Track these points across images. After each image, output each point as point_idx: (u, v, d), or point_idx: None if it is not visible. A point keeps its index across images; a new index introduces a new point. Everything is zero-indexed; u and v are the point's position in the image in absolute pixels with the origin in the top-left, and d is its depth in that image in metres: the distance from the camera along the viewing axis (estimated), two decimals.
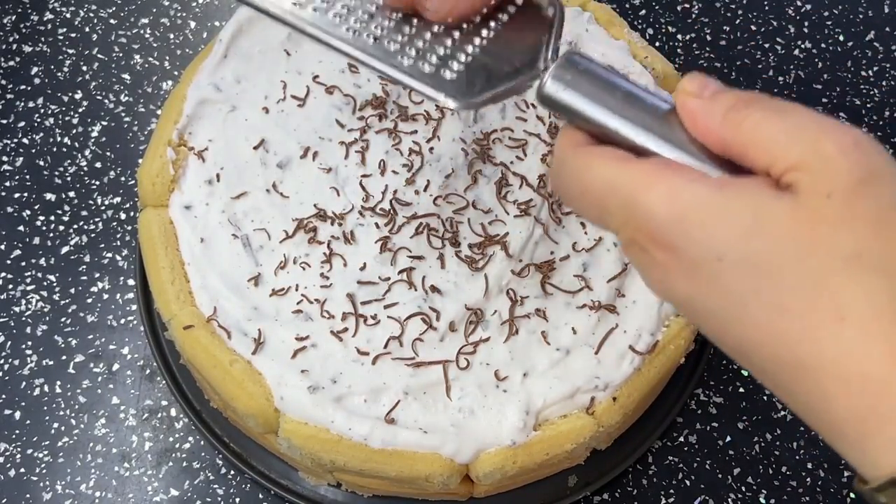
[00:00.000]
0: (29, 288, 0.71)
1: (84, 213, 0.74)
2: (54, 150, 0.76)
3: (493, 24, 0.42)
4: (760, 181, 0.32)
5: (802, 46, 0.84)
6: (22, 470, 0.65)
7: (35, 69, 0.79)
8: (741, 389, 0.69)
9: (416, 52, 0.41)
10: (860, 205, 0.31)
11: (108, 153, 0.76)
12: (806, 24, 0.85)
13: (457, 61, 0.41)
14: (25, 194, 0.74)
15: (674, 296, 0.34)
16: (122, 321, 0.70)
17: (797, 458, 0.67)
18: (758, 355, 0.32)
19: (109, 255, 0.72)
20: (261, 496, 0.65)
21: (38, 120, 0.77)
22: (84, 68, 0.79)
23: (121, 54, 0.80)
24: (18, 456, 0.65)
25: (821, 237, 0.31)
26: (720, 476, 0.67)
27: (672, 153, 0.35)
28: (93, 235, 0.73)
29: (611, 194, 0.34)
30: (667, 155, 0.35)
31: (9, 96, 0.78)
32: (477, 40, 0.42)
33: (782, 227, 0.31)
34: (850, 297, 0.30)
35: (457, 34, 0.42)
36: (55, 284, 0.71)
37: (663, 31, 0.84)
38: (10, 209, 0.73)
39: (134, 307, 0.70)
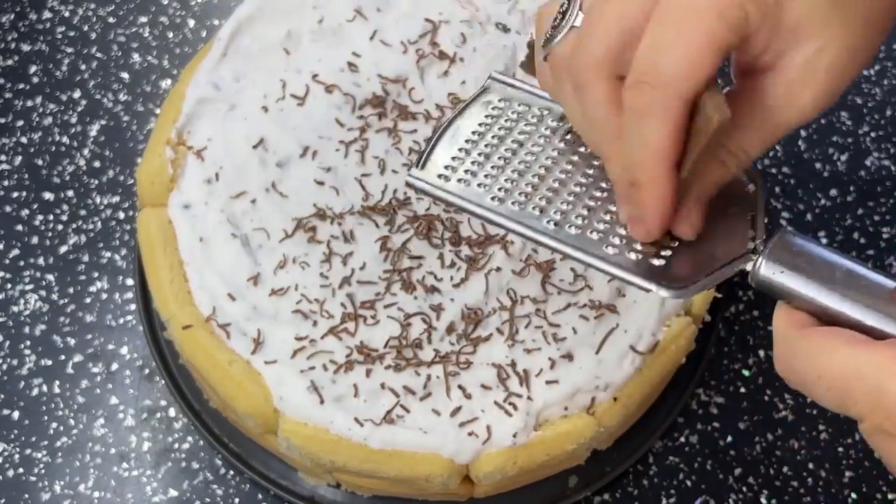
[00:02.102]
0: (27, 288, 0.70)
1: (83, 212, 0.73)
2: (53, 149, 0.76)
3: None
4: None
5: None
6: (20, 470, 0.65)
7: (33, 68, 0.79)
8: (742, 390, 0.69)
9: (619, 240, 0.40)
10: None
11: (107, 152, 0.76)
12: None
13: (663, 248, 0.39)
14: (24, 193, 0.74)
15: None
16: (121, 321, 0.70)
17: (798, 458, 0.67)
18: None
19: (108, 254, 0.72)
20: (260, 496, 0.65)
21: (37, 119, 0.77)
22: (83, 67, 0.79)
23: (119, 53, 0.80)
24: (17, 456, 0.65)
25: None
26: (721, 476, 0.66)
27: None
28: (91, 235, 0.73)
29: (855, 381, 0.33)
30: None
31: (7, 95, 0.78)
32: None
33: None
34: None
35: None
36: (53, 284, 0.71)
37: None
38: (8, 208, 0.73)
39: (133, 307, 0.70)
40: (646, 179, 0.36)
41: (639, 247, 0.39)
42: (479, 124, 0.45)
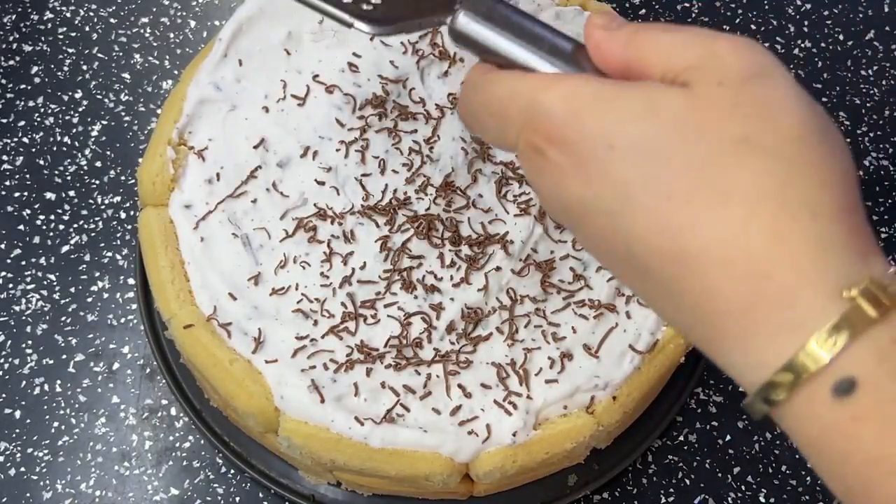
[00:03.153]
0: (29, 287, 0.71)
1: (84, 212, 0.74)
2: (54, 149, 0.76)
3: None
4: (656, 80, 0.33)
5: (802, 45, 0.84)
6: (22, 469, 0.65)
7: (35, 68, 0.79)
8: (741, 388, 0.69)
9: None
10: (749, 92, 0.31)
11: (108, 152, 0.76)
12: (806, 23, 0.85)
13: None
14: (25, 193, 0.74)
15: (564, 198, 0.34)
16: (123, 320, 0.70)
17: (797, 456, 0.67)
18: (643, 250, 0.32)
19: (109, 254, 0.72)
20: (261, 495, 0.65)
21: (38, 119, 0.77)
22: (84, 67, 0.79)
23: (121, 53, 0.80)
24: (18, 455, 0.65)
25: (710, 122, 0.31)
26: (720, 475, 0.67)
27: None
28: (93, 234, 0.73)
29: (512, 100, 0.35)
30: None
31: (9, 95, 0.78)
32: None
33: (673, 113, 0.31)
34: (736, 180, 0.30)
35: None
36: (55, 283, 0.71)
37: None
38: (10, 208, 0.73)
39: (134, 306, 0.70)
40: None
41: None
42: None
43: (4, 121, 0.77)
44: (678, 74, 0.32)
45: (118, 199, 0.74)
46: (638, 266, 0.33)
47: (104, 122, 0.77)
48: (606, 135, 0.32)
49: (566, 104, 0.33)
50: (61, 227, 0.73)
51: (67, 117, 0.77)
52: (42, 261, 0.72)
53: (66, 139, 0.76)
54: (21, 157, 0.76)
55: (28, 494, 0.64)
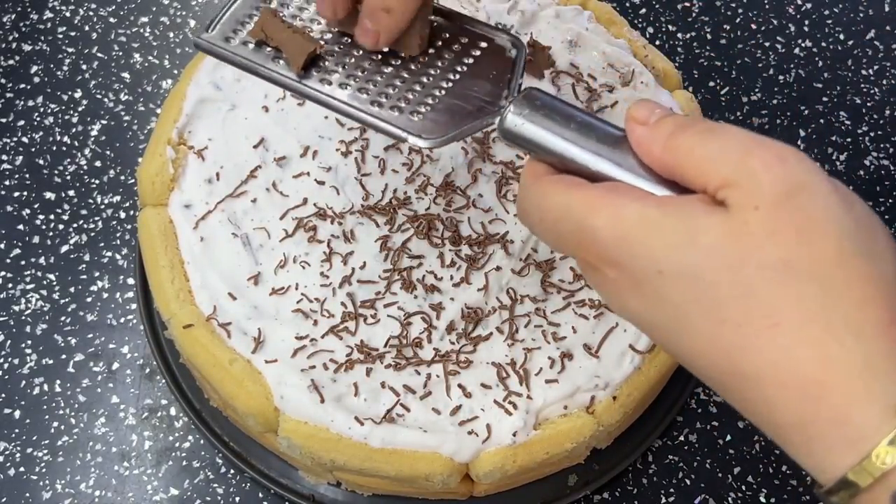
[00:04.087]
0: (28, 287, 0.71)
1: (84, 212, 0.74)
2: (54, 148, 0.76)
3: (459, 67, 0.45)
4: (697, 199, 0.34)
5: (803, 45, 0.84)
6: (21, 469, 0.65)
7: (35, 68, 0.79)
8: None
9: (386, 97, 0.44)
10: (785, 215, 0.32)
11: (108, 152, 0.76)
12: (806, 22, 0.85)
13: (425, 105, 0.44)
14: (25, 193, 0.74)
15: (627, 311, 0.36)
16: (122, 320, 0.70)
17: None
18: (704, 365, 0.34)
19: (109, 254, 0.72)
20: (260, 495, 0.65)
21: (38, 119, 0.77)
22: (84, 67, 0.79)
23: (120, 53, 0.80)
24: (18, 455, 0.65)
25: (750, 248, 0.32)
26: (720, 475, 0.67)
27: (625, 177, 0.37)
28: (92, 234, 0.73)
29: (563, 220, 0.37)
30: (620, 178, 0.37)
31: (8, 95, 0.78)
32: (444, 83, 0.44)
33: (714, 239, 0.32)
34: (782, 304, 0.32)
35: (425, 79, 0.45)
36: (55, 283, 0.71)
37: (663, 29, 0.84)
38: (9, 208, 0.73)
39: (134, 306, 0.70)
40: (397, 8, 0.42)
41: (404, 105, 0.44)
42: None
43: (4, 120, 0.77)
44: (716, 190, 0.33)
45: (118, 198, 0.74)
46: (701, 374, 0.35)
47: (104, 122, 0.77)
48: (654, 261, 0.34)
49: (613, 229, 0.35)
50: (61, 226, 0.73)
51: (67, 117, 0.77)
52: (42, 261, 0.72)
53: (65, 139, 0.76)
54: (21, 157, 0.76)
55: (28, 494, 0.64)
